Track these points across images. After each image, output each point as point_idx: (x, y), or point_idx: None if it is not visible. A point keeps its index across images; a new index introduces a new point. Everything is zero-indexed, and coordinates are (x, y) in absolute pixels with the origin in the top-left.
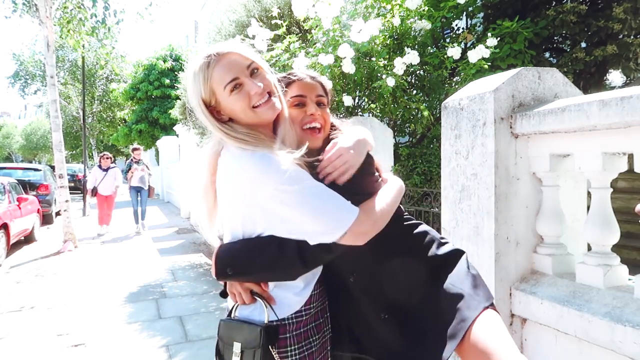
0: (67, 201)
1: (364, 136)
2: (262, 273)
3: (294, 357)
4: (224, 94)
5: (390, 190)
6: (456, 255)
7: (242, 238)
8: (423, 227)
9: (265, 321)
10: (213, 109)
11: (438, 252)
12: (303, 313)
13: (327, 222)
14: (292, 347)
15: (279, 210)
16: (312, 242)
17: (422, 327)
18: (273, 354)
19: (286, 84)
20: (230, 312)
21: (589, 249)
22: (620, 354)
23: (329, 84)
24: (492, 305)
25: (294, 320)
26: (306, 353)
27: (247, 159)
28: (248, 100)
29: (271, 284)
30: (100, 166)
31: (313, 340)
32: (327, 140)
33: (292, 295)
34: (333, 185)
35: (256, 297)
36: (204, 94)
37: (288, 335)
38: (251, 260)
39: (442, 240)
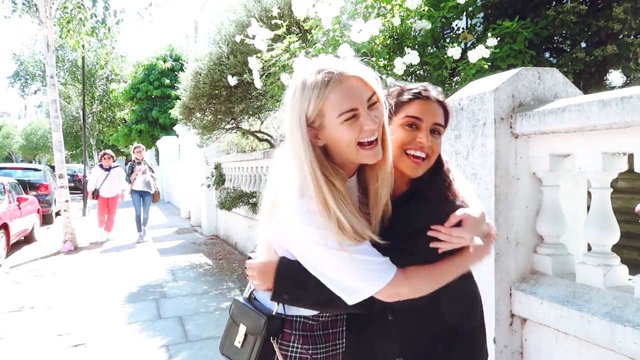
0: (67, 201)
1: (483, 211)
2: (312, 306)
3: (293, 355)
4: (335, 120)
5: (457, 265)
6: (482, 323)
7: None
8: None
9: (273, 312)
10: (311, 130)
11: (476, 312)
12: (310, 317)
13: (352, 286)
14: (294, 345)
15: (318, 263)
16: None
17: None
18: (274, 345)
19: (408, 98)
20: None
21: (589, 249)
22: (620, 354)
23: (450, 107)
24: None
25: (301, 319)
26: (309, 357)
27: (303, 210)
28: (358, 133)
29: None
30: (101, 166)
31: (320, 347)
32: (429, 171)
33: None
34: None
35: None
36: (309, 112)
37: (293, 332)
38: (307, 294)
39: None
